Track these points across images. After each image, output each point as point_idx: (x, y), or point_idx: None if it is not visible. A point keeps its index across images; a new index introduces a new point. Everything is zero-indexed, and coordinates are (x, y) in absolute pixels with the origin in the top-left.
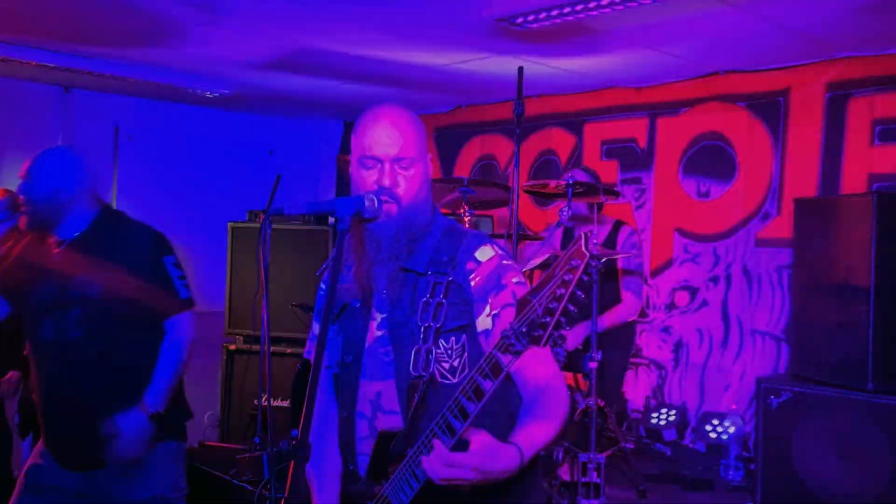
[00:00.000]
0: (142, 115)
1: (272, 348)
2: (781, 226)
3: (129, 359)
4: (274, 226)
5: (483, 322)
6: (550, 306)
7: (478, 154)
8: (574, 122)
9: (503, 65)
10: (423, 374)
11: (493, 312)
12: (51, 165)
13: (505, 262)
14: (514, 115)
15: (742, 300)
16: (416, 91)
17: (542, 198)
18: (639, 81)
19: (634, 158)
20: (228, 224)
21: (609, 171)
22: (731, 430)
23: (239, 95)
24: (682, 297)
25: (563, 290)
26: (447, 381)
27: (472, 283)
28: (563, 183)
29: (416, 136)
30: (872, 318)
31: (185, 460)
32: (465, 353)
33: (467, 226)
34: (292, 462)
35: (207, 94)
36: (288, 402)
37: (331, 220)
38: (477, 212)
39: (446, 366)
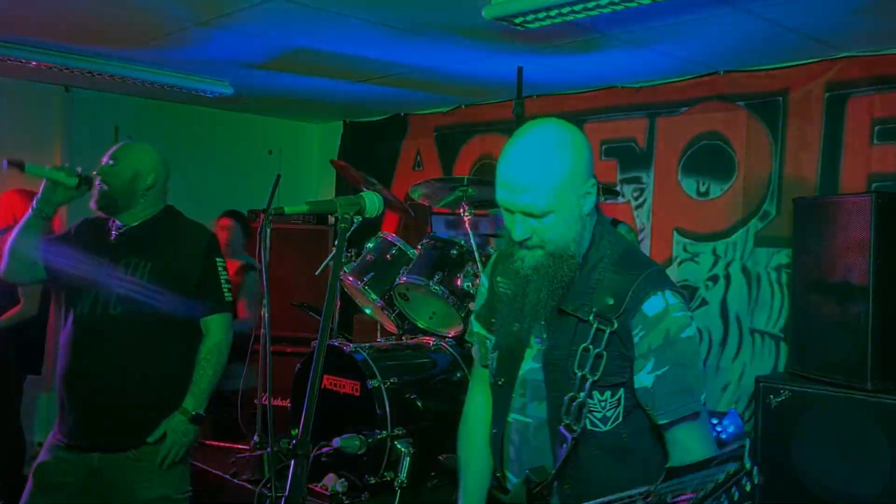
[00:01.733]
0: (142, 115)
1: (272, 348)
2: (781, 225)
3: (163, 347)
4: (274, 226)
5: (643, 379)
6: (694, 496)
7: (477, 154)
8: (573, 122)
9: (503, 65)
10: (575, 427)
11: (657, 372)
12: (138, 154)
13: (676, 314)
14: (514, 114)
15: (741, 299)
16: (416, 91)
17: None
18: (638, 81)
19: (634, 158)
20: None
21: (608, 171)
22: (731, 429)
23: (239, 95)
24: None
25: (709, 492)
26: (598, 430)
27: (636, 338)
28: None
29: (551, 178)
30: (871, 317)
31: (189, 461)
32: (621, 406)
33: (467, 225)
34: (292, 461)
35: (207, 94)
36: (288, 401)
37: (331, 219)
38: (477, 212)
39: (599, 416)
